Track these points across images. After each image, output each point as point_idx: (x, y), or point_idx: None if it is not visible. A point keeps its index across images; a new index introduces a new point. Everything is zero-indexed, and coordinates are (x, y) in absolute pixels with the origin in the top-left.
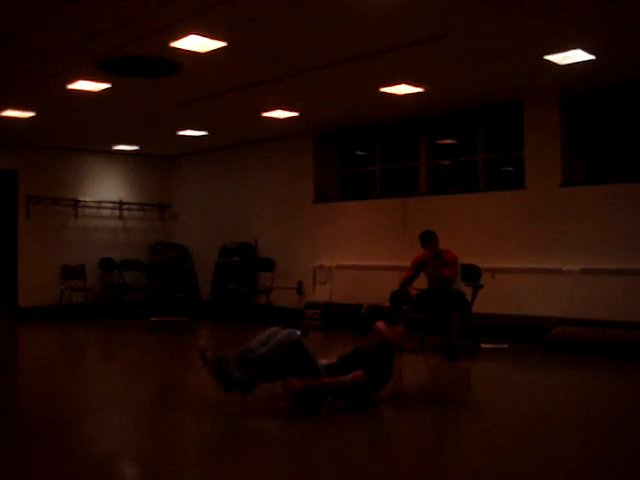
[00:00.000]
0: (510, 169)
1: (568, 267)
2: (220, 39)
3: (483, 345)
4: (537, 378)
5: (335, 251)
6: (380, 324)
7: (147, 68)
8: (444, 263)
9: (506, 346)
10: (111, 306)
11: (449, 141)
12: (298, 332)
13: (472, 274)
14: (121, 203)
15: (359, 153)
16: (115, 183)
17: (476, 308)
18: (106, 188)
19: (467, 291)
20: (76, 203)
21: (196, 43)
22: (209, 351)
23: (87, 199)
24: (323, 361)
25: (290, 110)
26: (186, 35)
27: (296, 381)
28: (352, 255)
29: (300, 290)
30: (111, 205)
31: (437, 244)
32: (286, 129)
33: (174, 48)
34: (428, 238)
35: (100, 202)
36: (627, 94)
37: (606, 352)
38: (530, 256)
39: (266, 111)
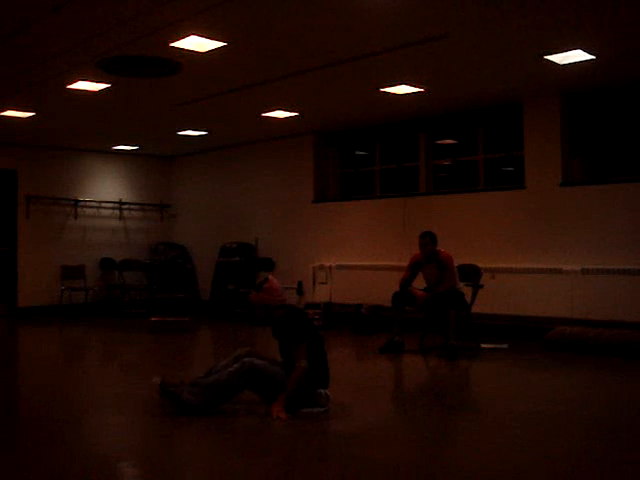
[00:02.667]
0: (510, 169)
1: (568, 267)
2: (220, 39)
3: (483, 345)
4: (537, 378)
5: (335, 251)
6: (252, 296)
7: (147, 68)
8: (440, 267)
9: (506, 346)
10: (111, 306)
11: (449, 141)
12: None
13: (472, 274)
14: (121, 203)
15: (359, 153)
16: (115, 183)
17: (476, 308)
18: (106, 188)
19: (467, 291)
20: (76, 203)
21: (196, 43)
22: (156, 378)
23: (87, 199)
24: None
25: (290, 110)
26: (186, 35)
27: (277, 409)
28: (352, 255)
29: (300, 290)
30: (111, 205)
31: (434, 246)
32: (286, 129)
33: (174, 48)
34: (423, 238)
35: (100, 202)
36: (627, 94)
37: (606, 352)
38: (530, 256)
39: (266, 111)
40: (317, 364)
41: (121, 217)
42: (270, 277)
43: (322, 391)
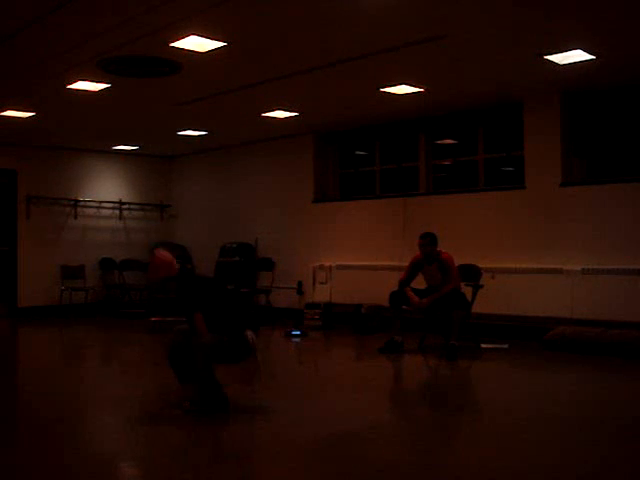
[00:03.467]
0: (510, 169)
1: (568, 267)
2: (220, 39)
3: (483, 345)
4: (537, 378)
5: (335, 251)
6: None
7: (147, 68)
8: (442, 268)
9: (506, 346)
10: (111, 306)
11: (449, 141)
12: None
13: (472, 274)
14: (121, 203)
15: (359, 153)
16: (115, 183)
17: (476, 308)
18: (106, 188)
19: (467, 291)
20: (76, 203)
21: (196, 43)
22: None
23: (87, 199)
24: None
25: (290, 110)
26: (186, 35)
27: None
28: (352, 255)
29: (300, 290)
30: (111, 205)
31: (434, 247)
32: (286, 129)
33: (174, 48)
34: (423, 239)
35: (100, 202)
36: (627, 94)
37: (606, 352)
38: (530, 256)
39: (266, 111)
40: (231, 313)
41: (121, 217)
42: (155, 250)
43: (248, 332)
